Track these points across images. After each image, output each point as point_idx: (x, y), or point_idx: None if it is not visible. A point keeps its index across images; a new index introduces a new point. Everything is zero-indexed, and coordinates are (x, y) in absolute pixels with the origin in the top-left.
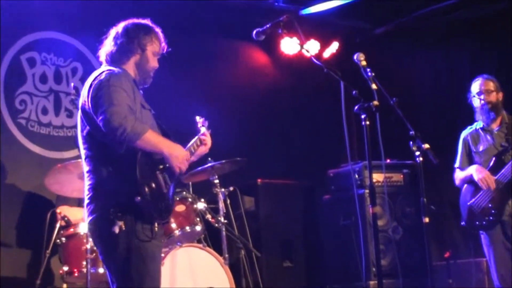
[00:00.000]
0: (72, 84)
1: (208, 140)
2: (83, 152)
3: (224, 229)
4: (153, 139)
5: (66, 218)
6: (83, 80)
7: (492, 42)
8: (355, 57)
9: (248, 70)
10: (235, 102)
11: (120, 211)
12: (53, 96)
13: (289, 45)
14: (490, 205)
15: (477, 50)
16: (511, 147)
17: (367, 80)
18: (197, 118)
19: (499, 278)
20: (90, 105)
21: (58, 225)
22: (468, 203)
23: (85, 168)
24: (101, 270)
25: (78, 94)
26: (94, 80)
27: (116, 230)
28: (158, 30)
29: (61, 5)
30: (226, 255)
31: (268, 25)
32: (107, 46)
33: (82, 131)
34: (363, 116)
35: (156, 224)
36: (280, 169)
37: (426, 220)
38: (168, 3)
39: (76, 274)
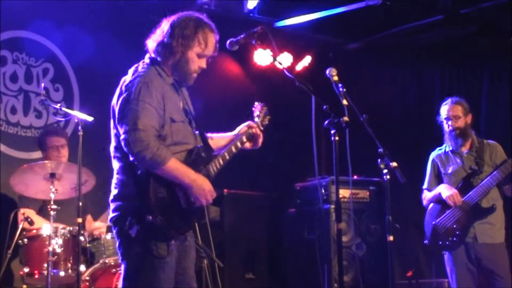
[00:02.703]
0: (42, 85)
1: (258, 137)
2: (112, 147)
3: None
4: (174, 171)
5: (29, 219)
6: (53, 81)
7: (462, 63)
8: (327, 72)
9: (220, 79)
10: (204, 111)
11: (138, 219)
12: (22, 95)
13: (262, 57)
14: (454, 226)
15: (447, 69)
16: (480, 171)
17: (338, 96)
18: (256, 104)
19: None
20: (117, 115)
21: (20, 226)
22: (433, 223)
23: (114, 164)
24: (62, 273)
25: (48, 95)
26: (125, 86)
27: (133, 234)
28: (209, 28)
29: (35, 4)
30: None
31: (242, 36)
32: (155, 38)
33: (111, 128)
34: (332, 131)
35: (172, 242)
36: (247, 180)
37: (391, 238)
38: (146, 8)
39: (36, 276)
